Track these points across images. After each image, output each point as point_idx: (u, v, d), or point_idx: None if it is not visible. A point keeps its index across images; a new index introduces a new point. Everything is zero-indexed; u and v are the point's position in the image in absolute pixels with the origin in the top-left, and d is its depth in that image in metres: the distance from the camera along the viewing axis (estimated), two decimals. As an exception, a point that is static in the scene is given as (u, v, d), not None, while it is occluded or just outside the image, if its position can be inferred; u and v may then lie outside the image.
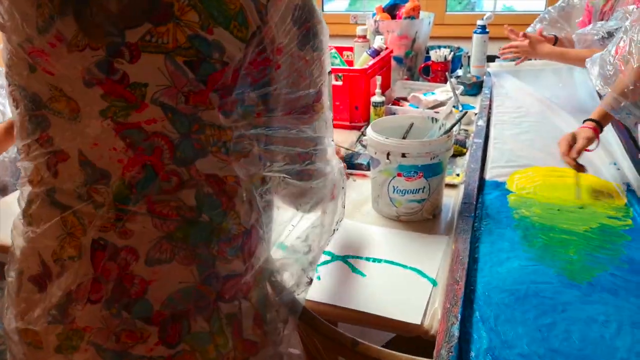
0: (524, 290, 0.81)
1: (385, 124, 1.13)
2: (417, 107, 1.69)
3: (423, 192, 1.03)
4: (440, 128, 1.10)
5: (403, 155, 0.99)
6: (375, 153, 1.04)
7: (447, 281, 0.82)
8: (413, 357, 0.57)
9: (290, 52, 0.52)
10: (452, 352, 0.66)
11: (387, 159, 1.01)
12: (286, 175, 0.59)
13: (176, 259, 0.51)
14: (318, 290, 0.85)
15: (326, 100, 0.61)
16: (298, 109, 0.57)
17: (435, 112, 1.58)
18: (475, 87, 1.88)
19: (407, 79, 1.95)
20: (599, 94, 1.61)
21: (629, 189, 1.10)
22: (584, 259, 0.88)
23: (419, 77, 1.99)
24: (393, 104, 1.74)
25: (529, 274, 0.85)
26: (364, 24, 1.92)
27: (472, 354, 0.69)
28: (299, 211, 0.69)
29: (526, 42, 1.75)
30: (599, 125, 1.19)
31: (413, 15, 1.89)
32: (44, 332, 0.52)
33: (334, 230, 0.75)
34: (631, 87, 1.10)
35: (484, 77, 1.95)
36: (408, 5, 1.89)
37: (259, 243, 0.59)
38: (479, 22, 1.90)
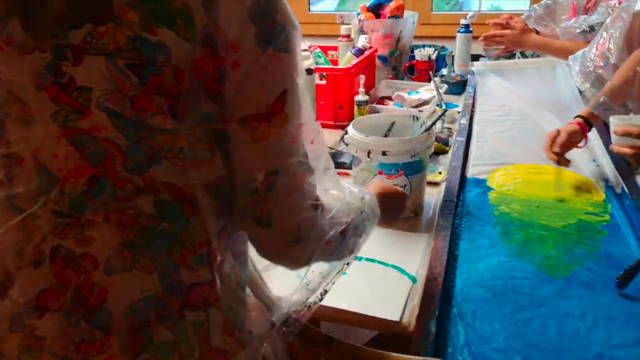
0: (502, 286, 0.82)
1: (366, 123, 1.13)
2: (402, 106, 1.69)
3: (404, 189, 1.04)
4: (421, 126, 1.11)
5: (384, 154, 1.00)
6: (357, 151, 1.04)
7: (426, 278, 0.82)
8: (385, 352, 0.57)
9: (248, 49, 0.48)
10: (428, 348, 0.67)
11: (368, 157, 1.01)
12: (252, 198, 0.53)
13: (136, 267, 0.50)
14: (295, 289, 0.85)
15: (299, 118, 0.52)
16: (248, 116, 0.50)
17: (419, 111, 1.59)
18: (459, 86, 1.89)
19: (392, 78, 1.95)
20: (579, 90, 1.64)
21: (608, 186, 1.12)
22: (562, 254, 0.89)
23: (404, 76, 1.99)
24: (378, 103, 1.74)
25: (507, 270, 0.85)
26: (350, 24, 1.93)
27: (449, 349, 0.70)
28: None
29: (515, 31, 1.74)
30: (586, 123, 1.17)
31: (397, 14, 1.90)
32: (3, 340, 0.50)
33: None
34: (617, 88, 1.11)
35: (468, 76, 1.97)
36: (392, 5, 1.90)
37: (228, 250, 0.57)
38: (463, 22, 1.91)
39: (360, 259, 0.93)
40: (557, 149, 1.13)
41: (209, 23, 0.45)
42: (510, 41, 1.78)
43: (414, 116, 1.14)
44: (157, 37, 0.44)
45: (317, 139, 0.56)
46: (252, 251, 0.70)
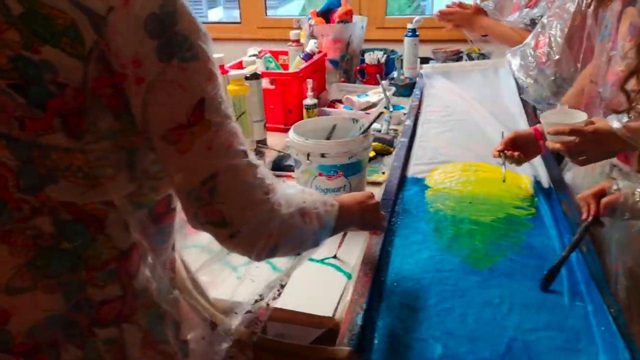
0: (429, 279, 0.86)
1: (308, 126, 1.16)
2: (351, 109, 1.74)
3: (344, 190, 1.07)
4: (360, 128, 1.15)
5: (322, 156, 1.03)
6: (297, 154, 1.07)
7: (358, 274, 0.86)
8: (306, 344, 0.60)
9: (150, 64, 0.48)
10: (353, 340, 0.70)
11: (308, 159, 1.05)
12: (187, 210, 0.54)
13: (39, 287, 0.50)
14: (237, 289, 0.87)
15: (222, 120, 0.53)
16: (169, 131, 0.50)
17: (366, 114, 1.64)
18: (408, 88, 1.95)
19: (343, 82, 2.00)
20: (519, 90, 1.71)
21: (537, 181, 1.18)
22: (488, 247, 0.95)
23: (356, 80, 2.04)
24: (329, 106, 1.78)
25: (435, 264, 0.90)
26: (302, 29, 1.96)
27: (375, 341, 0.73)
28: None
29: (468, 10, 1.80)
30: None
31: (346, 19, 1.94)
32: None
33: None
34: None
35: (417, 78, 2.03)
36: (341, 10, 1.94)
37: (142, 263, 0.57)
38: (409, 26, 1.97)
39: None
40: (499, 147, 1.13)
41: (99, 40, 0.46)
42: (463, 18, 1.84)
43: (353, 119, 1.18)
44: (40, 56, 0.44)
45: (240, 140, 0.57)
46: (190, 257, 0.71)
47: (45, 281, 0.51)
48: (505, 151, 1.11)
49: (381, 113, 1.15)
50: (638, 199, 0.77)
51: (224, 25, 3.69)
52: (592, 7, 1.02)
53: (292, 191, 0.64)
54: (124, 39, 0.46)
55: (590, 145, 0.88)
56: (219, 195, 0.53)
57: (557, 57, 1.22)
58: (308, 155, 1.04)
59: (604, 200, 0.83)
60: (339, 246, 0.98)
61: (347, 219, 0.76)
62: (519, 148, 1.12)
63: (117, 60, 0.47)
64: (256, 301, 0.70)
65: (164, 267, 0.62)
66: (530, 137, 1.14)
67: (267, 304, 0.70)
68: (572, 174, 1.22)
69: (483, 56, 2.21)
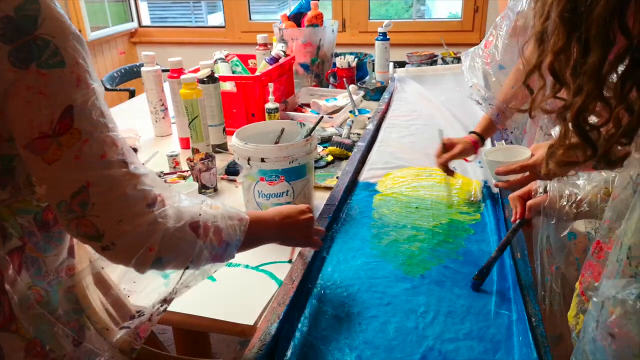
0: (359, 286, 0.84)
1: (255, 130, 1.15)
2: (318, 113, 1.72)
3: (287, 195, 1.05)
4: (307, 132, 1.13)
5: (262, 160, 1.02)
6: (239, 159, 1.05)
7: (284, 281, 0.84)
8: (191, 357, 0.58)
9: (4, 70, 0.46)
10: (262, 350, 0.68)
11: (248, 164, 1.03)
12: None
13: None
14: (161, 295, 0.85)
15: (93, 129, 0.51)
16: (34, 140, 0.48)
17: (329, 117, 1.62)
18: (378, 92, 1.94)
19: (315, 86, 1.99)
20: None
21: (486, 186, 1.16)
22: (424, 253, 0.93)
23: (328, 84, 2.03)
24: (296, 111, 1.77)
25: (368, 270, 0.88)
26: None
27: (289, 351, 0.71)
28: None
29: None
30: (479, 137, 1.19)
31: (316, 23, 1.93)
32: None
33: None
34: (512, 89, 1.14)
35: (389, 82, 2.01)
36: (310, 14, 1.93)
37: (24, 270, 0.56)
38: (379, 29, 1.96)
39: (236, 265, 0.94)
40: (443, 160, 1.14)
41: None
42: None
43: (301, 123, 1.16)
44: None
45: (117, 150, 0.54)
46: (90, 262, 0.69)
47: None
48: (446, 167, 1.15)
49: (321, 118, 1.13)
50: (565, 203, 0.75)
51: (209, 30, 3.70)
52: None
53: (189, 203, 0.61)
54: None
55: (541, 178, 0.86)
56: (91, 208, 0.51)
57: (499, 57, 1.20)
58: (249, 159, 1.03)
59: (529, 202, 0.82)
60: (292, 252, 0.96)
61: (260, 234, 0.74)
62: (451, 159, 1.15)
63: None
64: (135, 316, 0.67)
65: (56, 273, 0.60)
66: (467, 145, 1.16)
67: (150, 319, 0.66)
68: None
69: (458, 60, 2.19)
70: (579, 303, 0.61)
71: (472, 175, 1.22)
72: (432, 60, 2.19)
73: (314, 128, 1.08)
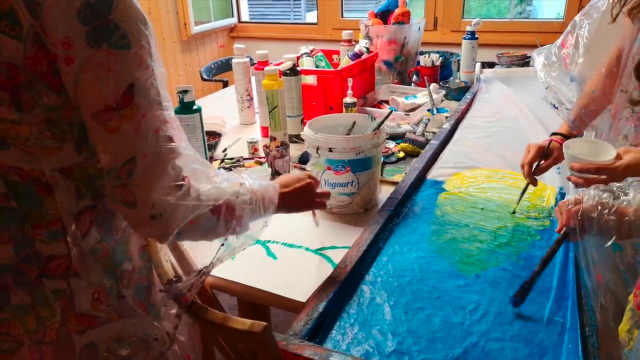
0: (410, 277, 0.85)
1: (327, 122, 1.19)
2: (396, 110, 1.73)
3: (352, 185, 1.09)
4: (376, 126, 1.15)
5: (330, 150, 1.06)
6: (309, 147, 1.11)
7: (338, 264, 0.87)
8: (242, 319, 0.63)
9: (80, 48, 0.52)
10: (307, 325, 0.73)
11: (317, 153, 1.08)
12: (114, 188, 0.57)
13: None
14: (228, 268, 0.92)
15: (149, 105, 0.57)
16: (99, 112, 0.55)
17: (406, 114, 1.62)
18: (462, 92, 1.90)
19: (397, 83, 1.99)
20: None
21: (561, 192, 1.11)
22: (483, 253, 0.91)
23: (410, 82, 2.02)
24: (374, 106, 1.79)
25: (421, 264, 0.89)
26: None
27: (334, 329, 0.75)
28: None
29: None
30: (565, 138, 1.07)
31: (402, 20, 1.93)
32: None
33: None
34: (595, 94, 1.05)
35: (474, 82, 1.96)
36: (397, 11, 1.93)
37: (95, 226, 0.63)
38: (468, 28, 1.91)
39: (297, 246, 1.00)
40: (537, 173, 1.03)
41: (34, 24, 0.52)
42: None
43: (372, 117, 1.19)
44: None
45: (168, 128, 0.60)
46: None
47: None
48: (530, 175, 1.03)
49: (390, 112, 1.14)
50: (605, 211, 0.69)
51: (302, 27, 3.81)
52: (628, 6, 0.92)
53: (227, 185, 0.68)
54: (56, 22, 0.52)
55: (618, 181, 0.80)
56: (135, 177, 0.57)
57: (580, 60, 1.12)
58: (317, 148, 1.07)
59: (572, 209, 0.76)
60: (313, 216, 1.03)
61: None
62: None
63: (49, 40, 0.53)
64: (172, 281, 0.73)
65: (123, 232, 0.67)
66: (555, 148, 1.05)
67: (190, 289, 0.73)
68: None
69: (553, 62, 2.08)
70: (633, 317, 0.58)
71: (548, 180, 1.16)
72: (523, 62, 2.10)
73: (382, 122, 1.10)
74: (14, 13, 0.51)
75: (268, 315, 1.20)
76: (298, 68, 1.49)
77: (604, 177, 0.82)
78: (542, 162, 1.03)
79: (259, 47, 3.01)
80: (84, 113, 0.56)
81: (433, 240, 0.96)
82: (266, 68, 1.38)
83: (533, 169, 1.02)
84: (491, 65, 2.20)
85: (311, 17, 5.68)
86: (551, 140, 1.07)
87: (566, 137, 1.09)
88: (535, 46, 2.34)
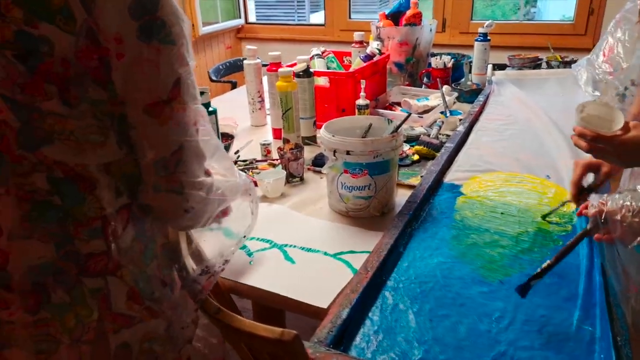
0: (433, 284, 0.84)
1: (344, 124, 1.18)
2: (408, 112, 1.72)
3: (369, 189, 1.07)
4: (394, 129, 1.14)
5: (347, 153, 1.04)
6: (325, 150, 1.09)
7: (359, 270, 0.86)
8: (270, 327, 0.62)
9: (131, 43, 0.54)
10: (332, 332, 0.71)
11: (334, 155, 1.06)
12: (157, 178, 0.61)
13: (35, 236, 0.58)
14: (245, 272, 0.91)
15: (191, 100, 0.60)
16: (151, 104, 0.57)
17: (419, 117, 1.61)
18: (474, 94, 1.88)
19: (408, 85, 1.98)
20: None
21: (583, 197, 1.09)
22: (506, 259, 0.90)
23: (421, 84, 2.01)
24: (386, 108, 1.78)
25: (444, 270, 0.87)
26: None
27: (358, 337, 0.74)
28: (175, 229, 0.72)
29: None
30: None
31: (414, 22, 1.92)
32: None
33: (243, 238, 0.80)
34: None
35: (486, 84, 1.95)
36: (409, 13, 1.92)
37: (131, 224, 0.63)
38: (480, 30, 1.90)
39: (315, 251, 0.99)
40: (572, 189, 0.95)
41: (88, 19, 0.53)
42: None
43: (389, 119, 1.17)
44: (39, 31, 0.52)
45: (202, 121, 0.64)
46: None
47: (39, 231, 0.58)
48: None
49: (409, 114, 1.13)
50: (629, 214, 0.68)
51: (309, 28, 3.80)
52: None
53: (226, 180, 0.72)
54: (109, 17, 0.53)
55: (613, 155, 0.79)
56: (181, 165, 0.61)
57: (625, 64, 1.11)
58: (334, 151, 1.06)
59: (594, 211, 0.74)
60: None
61: None
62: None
63: (102, 35, 0.54)
64: (203, 272, 0.74)
65: (154, 231, 0.67)
66: (598, 163, 0.95)
67: (212, 274, 0.74)
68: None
69: (565, 65, 2.07)
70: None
71: (567, 185, 1.15)
72: (535, 64, 2.08)
73: (400, 125, 1.09)
74: (68, 8, 0.52)
75: (283, 319, 1.19)
76: (311, 70, 1.47)
77: (600, 145, 0.80)
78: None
79: (266, 48, 3.00)
80: (133, 107, 0.58)
81: (454, 245, 0.95)
82: (280, 70, 1.37)
83: (580, 190, 0.94)
84: (502, 67, 2.19)
85: (315, 18, 5.68)
86: None
87: None
88: (546, 48, 2.34)
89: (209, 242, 0.76)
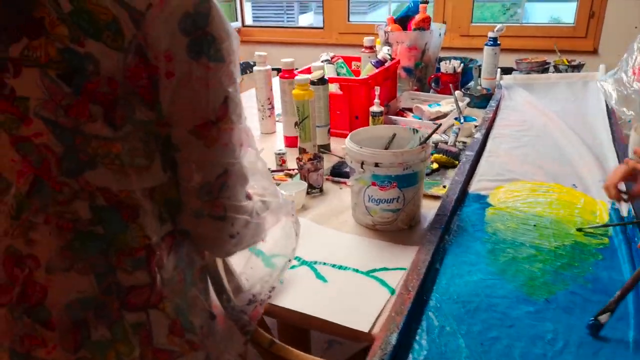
0: (477, 303, 0.81)
1: (367, 134, 1.15)
2: (420, 118, 1.69)
3: (397, 202, 1.04)
4: (420, 139, 1.11)
5: (376, 165, 1.01)
6: (352, 162, 1.06)
7: (400, 290, 0.83)
8: (311, 355, 0.58)
9: (181, 60, 0.51)
10: (384, 359, 0.68)
11: (362, 168, 1.03)
12: (201, 203, 0.57)
13: (74, 269, 0.53)
14: (276, 292, 0.87)
15: (238, 120, 0.57)
16: (199, 126, 0.54)
17: (434, 124, 1.58)
18: (484, 99, 1.86)
19: (417, 90, 1.95)
20: (607, 107, 1.56)
21: (613, 208, 1.07)
22: (547, 275, 0.87)
23: (430, 89, 1.98)
24: (398, 115, 1.75)
25: (485, 288, 0.84)
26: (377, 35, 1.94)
27: (408, 363, 0.70)
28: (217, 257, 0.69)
29: None
30: None
31: (423, 26, 1.89)
32: None
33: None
34: None
35: (495, 89, 1.93)
36: (418, 17, 1.89)
37: (173, 252, 0.59)
38: (490, 34, 1.88)
39: (345, 268, 0.95)
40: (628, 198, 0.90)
41: (137, 34, 0.49)
42: None
43: (414, 129, 1.14)
44: (85, 49, 0.48)
45: (248, 141, 0.61)
46: None
47: (80, 263, 0.54)
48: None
49: (439, 125, 1.10)
50: None
51: (307, 30, 3.76)
52: None
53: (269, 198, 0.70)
54: (160, 33, 0.50)
55: None
56: (225, 190, 0.58)
57: None
58: (362, 163, 1.03)
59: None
60: None
61: None
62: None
63: (151, 52, 0.50)
64: (250, 302, 0.70)
65: (191, 255, 0.64)
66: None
67: (260, 303, 0.70)
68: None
69: (573, 68, 2.06)
70: None
71: (596, 195, 1.13)
72: (543, 68, 2.07)
73: (430, 135, 1.06)
74: (116, 22, 0.48)
75: (308, 338, 1.15)
76: (326, 77, 1.44)
77: None
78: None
79: (265, 51, 2.96)
80: (179, 128, 0.54)
81: (491, 261, 0.92)
82: (297, 78, 1.33)
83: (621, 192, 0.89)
84: (508, 71, 2.17)
85: (304, 20, 5.63)
86: None
87: None
88: (549, 51, 2.33)
89: (255, 268, 0.72)
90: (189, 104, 0.53)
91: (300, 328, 1.02)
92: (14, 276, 0.54)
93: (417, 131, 1.13)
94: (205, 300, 0.66)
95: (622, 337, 0.73)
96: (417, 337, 0.75)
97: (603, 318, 0.73)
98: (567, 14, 3.30)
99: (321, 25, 3.43)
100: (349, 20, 3.33)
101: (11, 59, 0.49)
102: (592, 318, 0.74)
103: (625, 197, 0.90)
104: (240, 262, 0.72)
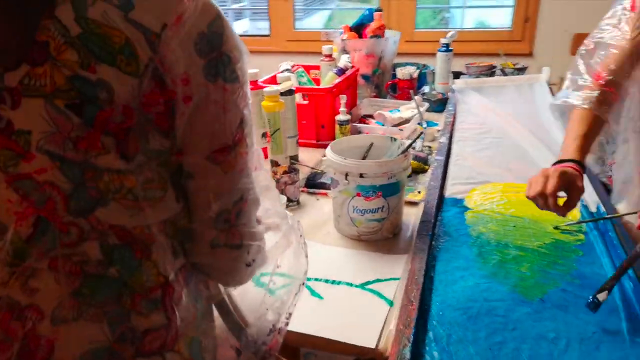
0: (477, 309, 0.82)
1: (345, 144, 1.14)
2: (383, 125, 1.71)
3: (382, 211, 1.04)
4: (398, 147, 1.12)
5: (361, 176, 1.00)
6: (335, 173, 1.04)
7: (402, 302, 0.82)
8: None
9: (198, 83, 0.47)
10: (401, 375, 0.67)
11: (346, 179, 1.02)
12: (216, 235, 0.54)
13: (84, 317, 0.48)
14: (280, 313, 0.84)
15: (252, 143, 0.54)
16: (216, 151, 0.51)
17: (400, 130, 1.60)
18: (440, 104, 1.92)
19: (375, 97, 1.97)
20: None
21: (583, 205, 1.13)
22: (537, 275, 0.90)
23: (387, 95, 2.01)
24: (360, 122, 1.76)
25: (482, 292, 0.86)
26: (332, 42, 1.95)
27: (424, 376, 0.70)
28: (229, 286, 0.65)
29: None
30: (579, 165, 0.92)
31: (379, 34, 1.92)
32: None
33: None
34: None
35: (449, 93, 1.99)
36: (373, 25, 1.92)
37: (186, 287, 0.55)
38: (443, 40, 1.94)
39: (338, 283, 0.93)
40: (564, 212, 0.90)
41: (153, 57, 0.45)
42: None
43: (392, 137, 1.15)
44: (97, 75, 0.44)
45: (260, 162, 0.59)
46: None
47: (90, 310, 0.49)
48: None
49: (422, 132, 1.12)
50: None
51: (253, 38, 3.70)
52: None
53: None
54: (176, 55, 0.46)
55: None
56: (242, 216, 0.55)
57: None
58: (346, 175, 1.02)
59: None
60: None
61: None
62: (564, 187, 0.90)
63: (169, 76, 0.46)
64: (270, 331, 0.67)
65: (199, 287, 0.60)
66: (572, 176, 0.89)
67: (278, 331, 0.68)
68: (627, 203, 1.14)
69: (518, 71, 2.16)
70: None
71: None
72: (491, 71, 2.17)
73: (412, 143, 1.07)
74: (130, 45, 0.44)
75: (298, 354, 1.12)
76: (293, 87, 1.42)
77: None
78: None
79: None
80: (195, 155, 0.50)
81: (481, 264, 0.94)
82: (266, 89, 1.30)
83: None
84: (457, 75, 2.25)
85: (238, 27, 5.54)
86: (569, 167, 0.90)
87: (579, 163, 0.92)
88: (497, 55, 2.45)
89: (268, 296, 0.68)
90: (206, 129, 0.50)
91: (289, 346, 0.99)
92: (11, 331, 0.48)
93: (395, 139, 1.13)
94: (221, 334, 0.62)
95: (617, 329, 0.77)
96: (427, 348, 0.74)
97: (602, 296, 0.77)
98: (495, 19, 3.48)
99: (264, 32, 3.41)
100: (295, 28, 3.32)
101: (8, 88, 0.43)
102: (591, 297, 0.78)
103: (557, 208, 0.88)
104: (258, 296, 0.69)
